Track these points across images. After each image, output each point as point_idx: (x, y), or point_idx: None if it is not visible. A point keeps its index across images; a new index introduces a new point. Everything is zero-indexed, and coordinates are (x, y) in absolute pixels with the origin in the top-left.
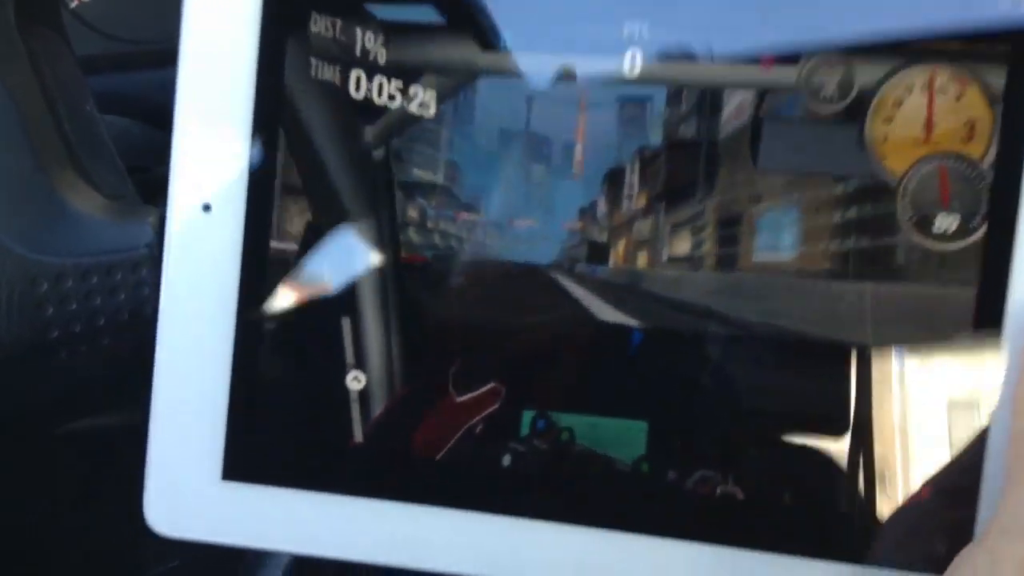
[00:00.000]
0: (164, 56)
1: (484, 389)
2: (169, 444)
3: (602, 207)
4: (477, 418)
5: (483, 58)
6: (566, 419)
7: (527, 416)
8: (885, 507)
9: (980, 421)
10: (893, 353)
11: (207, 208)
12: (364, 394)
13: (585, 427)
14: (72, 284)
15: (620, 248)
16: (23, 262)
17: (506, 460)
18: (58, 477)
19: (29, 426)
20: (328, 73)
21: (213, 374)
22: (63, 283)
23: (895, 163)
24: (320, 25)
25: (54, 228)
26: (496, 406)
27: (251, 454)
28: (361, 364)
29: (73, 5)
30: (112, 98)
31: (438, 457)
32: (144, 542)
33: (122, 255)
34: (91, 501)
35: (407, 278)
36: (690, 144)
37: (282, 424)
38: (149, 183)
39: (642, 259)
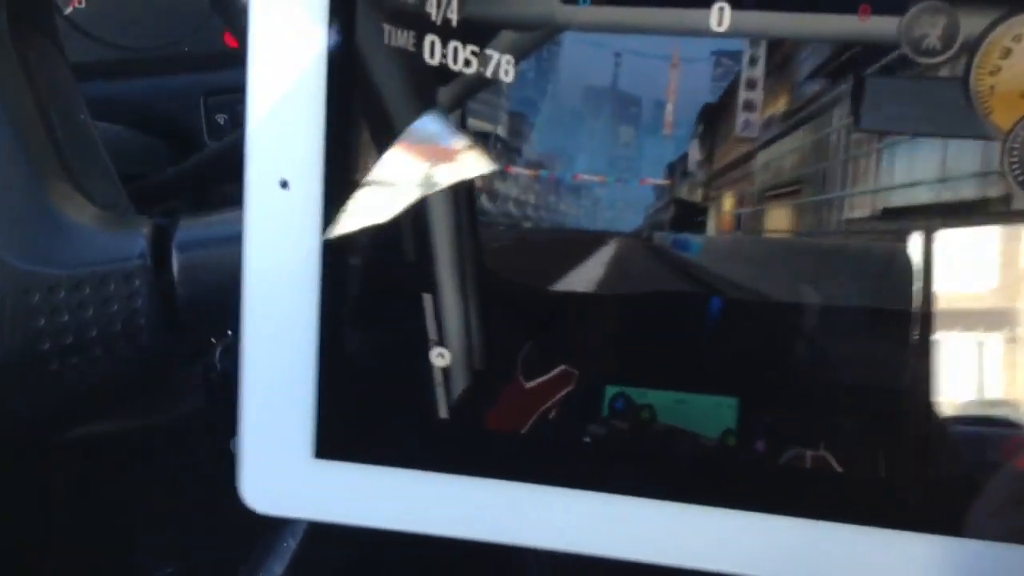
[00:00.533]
0: (160, 63)
1: (557, 371)
2: (261, 424)
3: (696, 169)
4: (553, 399)
5: (563, 12)
6: (651, 396)
7: (609, 393)
8: (986, 477)
9: None
10: (993, 320)
11: (284, 184)
12: (448, 370)
13: (670, 403)
14: (64, 295)
15: (716, 214)
16: (14, 273)
17: (587, 439)
18: (53, 485)
19: (21, 436)
20: (402, 39)
21: (300, 354)
22: (55, 294)
23: (1001, 118)
24: None
25: (46, 239)
26: (571, 387)
27: (341, 432)
28: (444, 340)
29: (68, 11)
30: (107, 105)
31: (523, 433)
32: (138, 549)
33: (115, 266)
34: (86, 509)
35: (484, 249)
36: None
37: (370, 402)
38: (144, 191)
39: (737, 224)
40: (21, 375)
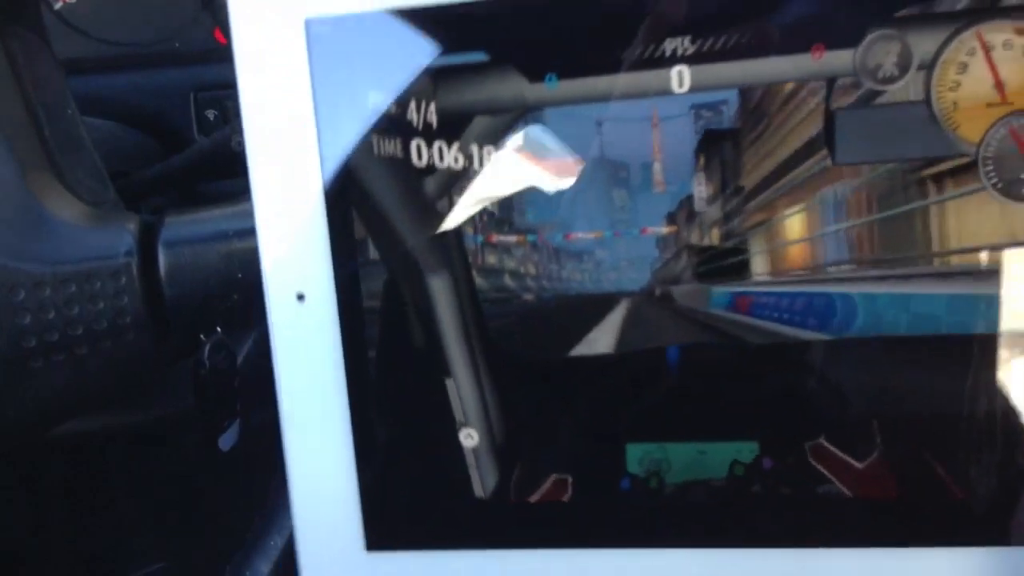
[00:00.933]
0: (149, 58)
1: (550, 482)
2: (312, 524)
3: (701, 220)
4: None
5: (532, 91)
6: (671, 449)
7: (632, 452)
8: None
9: None
10: (1012, 337)
11: (301, 298)
12: (478, 449)
13: (693, 454)
14: (50, 293)
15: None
16: (0, 270)
17: (612, 510)
18: (40, 482)
19: (5, 434)
20: (390, 148)
21: (338, 454)
22: (41, 291)
23: (969, 131)
24: (375, 100)
25: (33, 235)
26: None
27: (388, 524)
28: (470, 421)
29: (58, 6)
30: (96, 100)
31: (556, 503)
32: (125, 547)
33: (101, 263)
34: (73, 507)
35: (488, 327)
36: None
37: (411, 490)
38: (133, 187)
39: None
40: (5, 372)
